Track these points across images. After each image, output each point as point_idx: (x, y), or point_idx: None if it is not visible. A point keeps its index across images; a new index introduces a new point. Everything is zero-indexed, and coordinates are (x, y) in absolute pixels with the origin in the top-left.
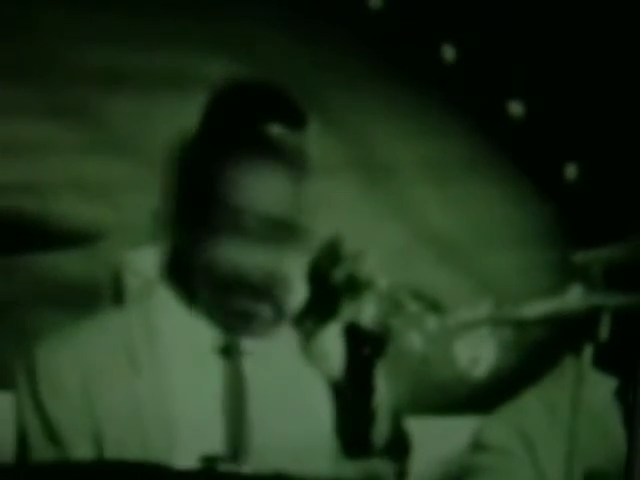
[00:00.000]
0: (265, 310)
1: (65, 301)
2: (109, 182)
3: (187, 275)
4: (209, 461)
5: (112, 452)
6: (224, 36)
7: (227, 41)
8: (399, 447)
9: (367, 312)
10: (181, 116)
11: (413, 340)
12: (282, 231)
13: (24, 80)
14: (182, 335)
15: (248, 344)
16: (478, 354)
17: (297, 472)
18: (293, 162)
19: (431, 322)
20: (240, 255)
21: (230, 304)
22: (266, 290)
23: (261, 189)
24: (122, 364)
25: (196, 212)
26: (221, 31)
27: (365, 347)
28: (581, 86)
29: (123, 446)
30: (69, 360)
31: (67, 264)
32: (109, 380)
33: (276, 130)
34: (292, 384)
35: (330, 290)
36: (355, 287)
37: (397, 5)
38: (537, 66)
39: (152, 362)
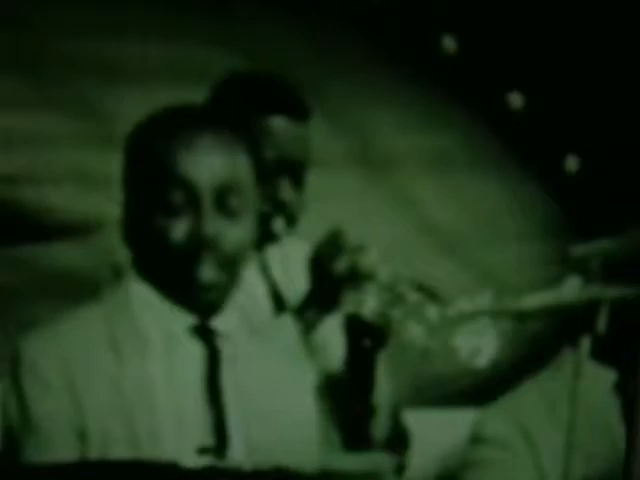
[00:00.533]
0: (221, 278)
1: (64, 292)
2: (107, 173)
3: (150, 263)
4: (204, 452)
5: (97, 446)
6: (224, 28)
7: (227, 33)
8: (398, 441)
9: (368, 304)
10: None
11: (414, 331)
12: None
13: (21, 72)
14: (159, 321)
15: (220, 325)
16: (479, 345)
17: (293, 465)
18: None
19: (432, 313)
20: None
21: (188, 280)
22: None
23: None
24: (105, 355)
25: (148, 191)
26: (221, 23)
27: (366, 339)
28: (582, 78)
29: (108, 438)
30: (52, 352)
31: (66, 255)
32: (93, 372)
33: (279, 122)
34: (270, 364)
35: (331, 281)
36: (356, 279)
37: None
38: (538, 58)
39: (134, 352)
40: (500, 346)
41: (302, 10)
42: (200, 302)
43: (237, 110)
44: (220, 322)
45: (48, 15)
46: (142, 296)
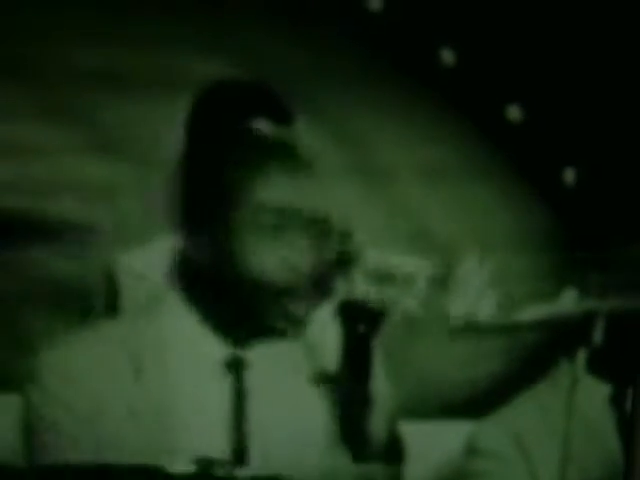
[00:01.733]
0: (300, 308)
1: (60, 301)
2: (104, 183)
3: (202, 285)
4: (203, 464)
5: (111, 459)
6: (219, 37)
7: (222, 42)
8: (394, 452)
9: (358, 288)
10: (175, 117)
11: (408, 305)
12: (298, 223)
13: (18, 82)
14: (189, 346)
15: (253, 357)
16: (476, 305)
17: (295, 475)
18: (289, 155)
19: (423, 283)
20: (262, 256)
21: (259, 315)
22: (294, 289)
23: (268, 183)
24: (126, 371)
25: (207, 214)
26: (216, 32)
27: (361, 324)
28: (580, 90)
29: (122, 454)
30: (74, 366)
31: (63, 264)
32: (112, 388)
33: (261, 125)
34: (292, 394)
35: (320, 268)
36: (346, 262)
37: (396, 8)
38: (536, 70)
39: (156, 371)
40: (499, 304)
41: (300, 20)
42: (269, 334)
43: (221, 116)
44: (254, 355)
45: (44, 26)
46: (177, 315)
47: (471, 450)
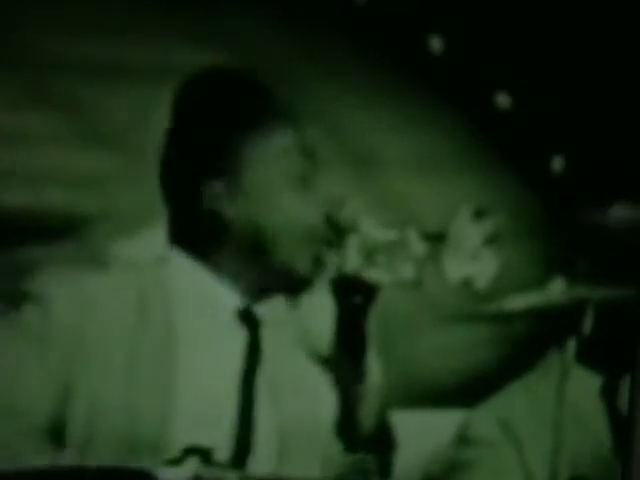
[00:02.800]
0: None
1: None
2: (95, 173)
3: (205, 238)
4: (191, 453)
5: (103, 416)
6: (211, 29)
7: (214, 34)
8: (384, 442)
9: (352, 260)
10: (163, 106)
11: (403, 269)
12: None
13: (8, 71)
14: (198, 300)
15: (265, 311)
16: (474, 268)
17: (292, 473)
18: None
19: (418, 246)
20: (295, 207)
21: (266, 262)
22: (312, 243)
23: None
24: (131, 318)
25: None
26: (208, 24)
27: (356, 296)
28: (569, 78)
29: (113, 410)
30: (71, 295)
31: (50, 254)
32: (112, 332)
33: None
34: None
35: (312, 240)
36: (337, 233)
37: None
38: (524, 59)
39: (162, 322)
40: (499, 265)
41: (288, 10)
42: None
43: (206, 106)
44: (267, 308)
45: (30, 14)
46: (184, 271)
47: (462, 438)
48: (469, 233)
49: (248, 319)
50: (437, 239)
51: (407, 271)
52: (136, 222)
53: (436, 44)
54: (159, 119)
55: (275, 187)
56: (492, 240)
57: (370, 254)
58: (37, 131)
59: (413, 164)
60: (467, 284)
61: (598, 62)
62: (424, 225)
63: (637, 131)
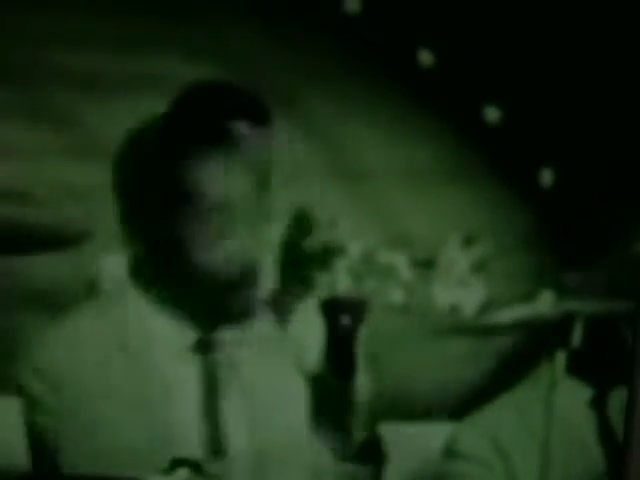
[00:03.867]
0: (241, 299)
1: (45, 305)
2: (89, 186)
3: (156, 276)
4: (179, 464)
5: (105, 442)
6: (202, 40)
7: (205, 45)
8: (374, 454)
9: (342, 282)
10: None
11: (393, 294)
12: (249, 218)
13: (3, 84)
14: (156, 336)
15: (222, 339)
16: (461, 296)
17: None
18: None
19: (406, 272)
20: (211, 249)
21: (207, 299)
22: (241, 279)
23: (221, 178)
24: (98, 355)
25: (161, 208)
26: (199, 35)
27: (345, 316)
28: (558, 92)
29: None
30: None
31: (47, 268)
32: (103, 371)
33: (240, 127)
34: (270, 381)
35: (303, 262)
36: (328, 255)
37: (374, 9)
38: (514, 72)
39: (129, 362)
40: (488, 294)
41: (278, 22)
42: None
43: (200, 118)
44: (220, 335)
45: (28, 27)
46: (140, 308)
47: (450, 452)
48: (458, 260)
49: (204, 347)
50: (426, 265)
51: (397, 296)
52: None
53: (426, 58)
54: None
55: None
56: (480, 268)
57: (360, 277)
58: (31, 144)
59: (402, 177)
60: (455, 310)
61: (587, 75)
62: (413, 240)
63: (626, 143)
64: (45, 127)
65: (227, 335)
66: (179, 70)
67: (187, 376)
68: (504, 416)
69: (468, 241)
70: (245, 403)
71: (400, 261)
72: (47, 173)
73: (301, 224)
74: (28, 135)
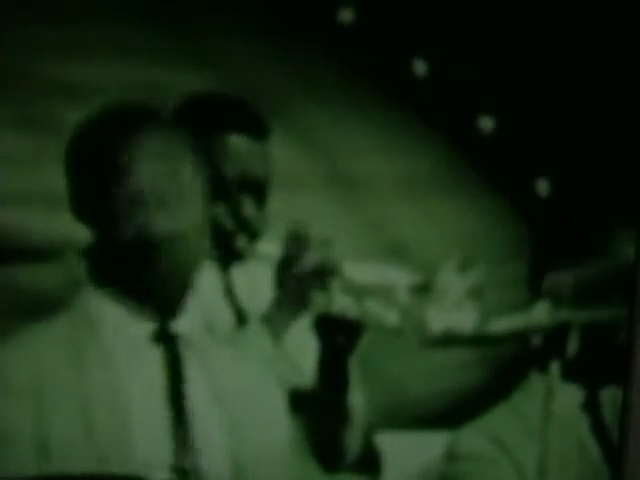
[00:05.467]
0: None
1: (32, 311)
2: None
3: (103, 269)
4: (175, 471)
5: (59, 459)
6: (193, 48)
7: (196, 53)
8: (370, 463)
9: (337, 301)
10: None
11: (388, 317)
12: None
13: None
14: (119, 328)
15: (180, 327)
16: (455, 318)
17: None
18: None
19: (402, 295)
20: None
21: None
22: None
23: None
24: (70, 362)
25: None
26: (190, 43)
27: (339, 335)
28: (553, 101)
29: (71, 452)
30: (21, 363)
31: (33, 275)
32: (58, 383)
33: (239, 140)
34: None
35: (299, 281)
36: (323, 274)
37: (368, 19)
38: (508, 81)
39: (98, 362)
40: (480, 317)
41: (273, 32)
42: (158, 304)
43: (198, 129)
44: (179, 325)
45: (13, 34)
46: (100, 305)
47: (451, 456)
48: (453, 285)
49: (163, 337)
50: (422, 290)
51: (392, 317)
52: None
53: (420, 68)
54: None
55: None
56: (475, 293)
57: (357, 297)
58: (23, 152)
59: (396, 185)
60: (448, 335)
61: (582, 84)
62: (409, 250)
63: (621, 152)
64: (38, 135)
65: (184, 327)
66: (174, 80)
67: (152, 370)
68: (503, 419)
69: (464, 266)
70: (220, 408)
71: (396, 283)
72: (34, 181)
73: (297, 242)
74: (10, 142)
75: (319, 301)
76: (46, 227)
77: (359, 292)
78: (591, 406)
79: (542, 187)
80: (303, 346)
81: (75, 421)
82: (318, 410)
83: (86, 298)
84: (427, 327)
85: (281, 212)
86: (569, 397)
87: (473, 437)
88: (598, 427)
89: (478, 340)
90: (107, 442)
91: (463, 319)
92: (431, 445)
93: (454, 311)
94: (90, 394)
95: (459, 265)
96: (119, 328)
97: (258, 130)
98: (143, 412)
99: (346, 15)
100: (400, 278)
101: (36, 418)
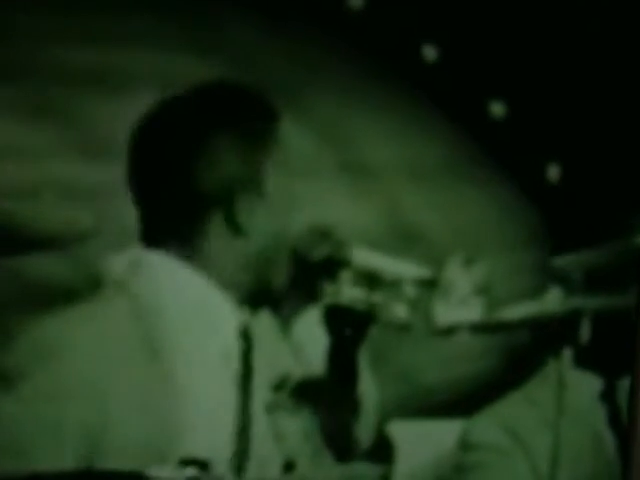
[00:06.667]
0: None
1: (46, 303)
2: (89, 184)
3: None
4: (187, 464)
5: (116, 444)
6: (208, 37)
7: (210, 42)
8: (382, 451)
9: (346, 292)
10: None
11: (397, 310)
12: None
13: (4, 81)
14: (194, 310)
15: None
16: (461, 313)
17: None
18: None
19: (410, 289)
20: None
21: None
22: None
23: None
24: (134, 350)
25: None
26: (201, 32)
27: (348, 328)
28: (563, 86)
29: (128, 440)
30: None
31: (47, 266)
32: (118, 367)
33: (247, 125)
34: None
35: (310, 271)
36: (333, 266)
37: (378, 5)
38: (519, 67)
39: (163, 347)
40: (484, 313)
41: (281, 18)
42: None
43: (206, 118)
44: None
45: (29, 24)
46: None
47: (465, 445)
48: (460, 280)
49: (245, 335)
50: (429, 284)
51: (400, 311)
52: (130, 237)
53: (430, 53)
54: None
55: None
56: (481, 289)
57: (364, 287)
58: (36, 143)
59: (409, 172)
60: (453, 330)
61: (593, 69)
62: (421, 235)
63: (634, 137)
64: (48, 125)
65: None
66: (183, 68)
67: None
68: (516, 408)
69: (470, 261)
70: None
71: (405, 275)
72: (44, 171)
73: (310, 237)
74: (25, 133)
75: (328, 292)
76: (60, 217)
77: (368, 282)
78: (607, 396)
79: (553, 173)
80: (312, 337)
81: (134, 414)
82: (328, 400)
83: (135, 267)
84: (434, 321)
85: (298, 199)
86: (584, 387)
87: (486, 427)
88: (614, 418)
89: (491, 328)
90: (165, 436)
91: (469, 314)
92: (444, 434)
93: (460, 307)
94: (151, 386)
95: (465, 260)
96: (191, 314)
97: (267, 114)
98: (206, 408)
99: (355, 1)
100: (408, 271)
101: (97, 410)
